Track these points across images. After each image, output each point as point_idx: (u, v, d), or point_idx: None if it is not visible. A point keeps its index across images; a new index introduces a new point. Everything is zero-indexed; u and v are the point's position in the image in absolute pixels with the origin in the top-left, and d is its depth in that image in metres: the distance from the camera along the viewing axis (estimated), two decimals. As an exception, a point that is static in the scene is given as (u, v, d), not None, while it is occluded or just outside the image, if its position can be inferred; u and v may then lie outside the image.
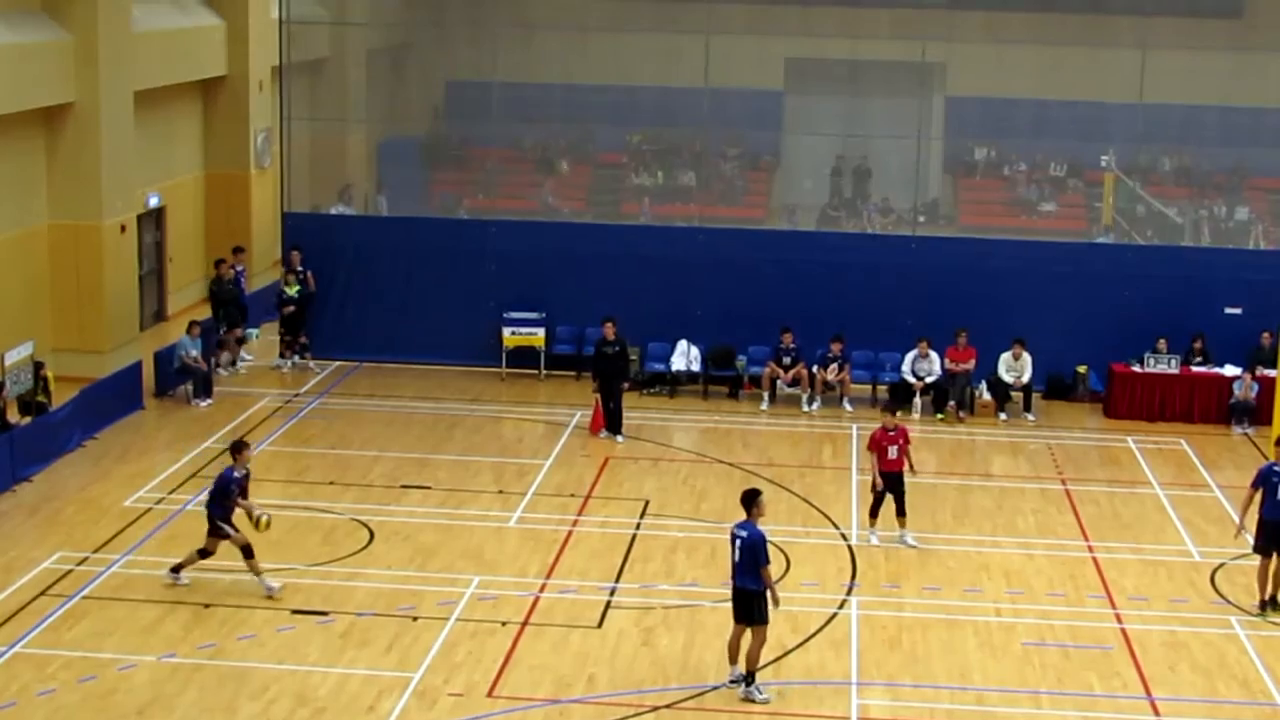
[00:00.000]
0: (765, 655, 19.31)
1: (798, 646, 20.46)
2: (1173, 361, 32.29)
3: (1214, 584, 23.21)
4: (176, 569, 21.85)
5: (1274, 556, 21.81)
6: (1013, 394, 32.15)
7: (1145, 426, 31.54)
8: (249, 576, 21.55)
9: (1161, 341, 32.42)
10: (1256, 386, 31.41)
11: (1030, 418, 31.96)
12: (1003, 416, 31.92)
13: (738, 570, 18.91)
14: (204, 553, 21.81)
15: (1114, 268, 33.85)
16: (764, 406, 32.26)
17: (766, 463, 28.49)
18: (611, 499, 26.29)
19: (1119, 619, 21.74)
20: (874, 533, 24.42)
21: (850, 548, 24.16)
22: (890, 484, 24.34)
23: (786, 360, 32.27)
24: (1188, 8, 42.02)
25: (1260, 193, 41.58)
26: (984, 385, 32.36)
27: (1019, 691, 19.45)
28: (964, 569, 23.55)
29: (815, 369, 32.24)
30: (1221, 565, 23.91)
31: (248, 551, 21.58)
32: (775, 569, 22.66)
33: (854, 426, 30.84)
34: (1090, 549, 24.52)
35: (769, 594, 18.80)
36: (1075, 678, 19.86)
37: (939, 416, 31.83)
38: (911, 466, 24.66)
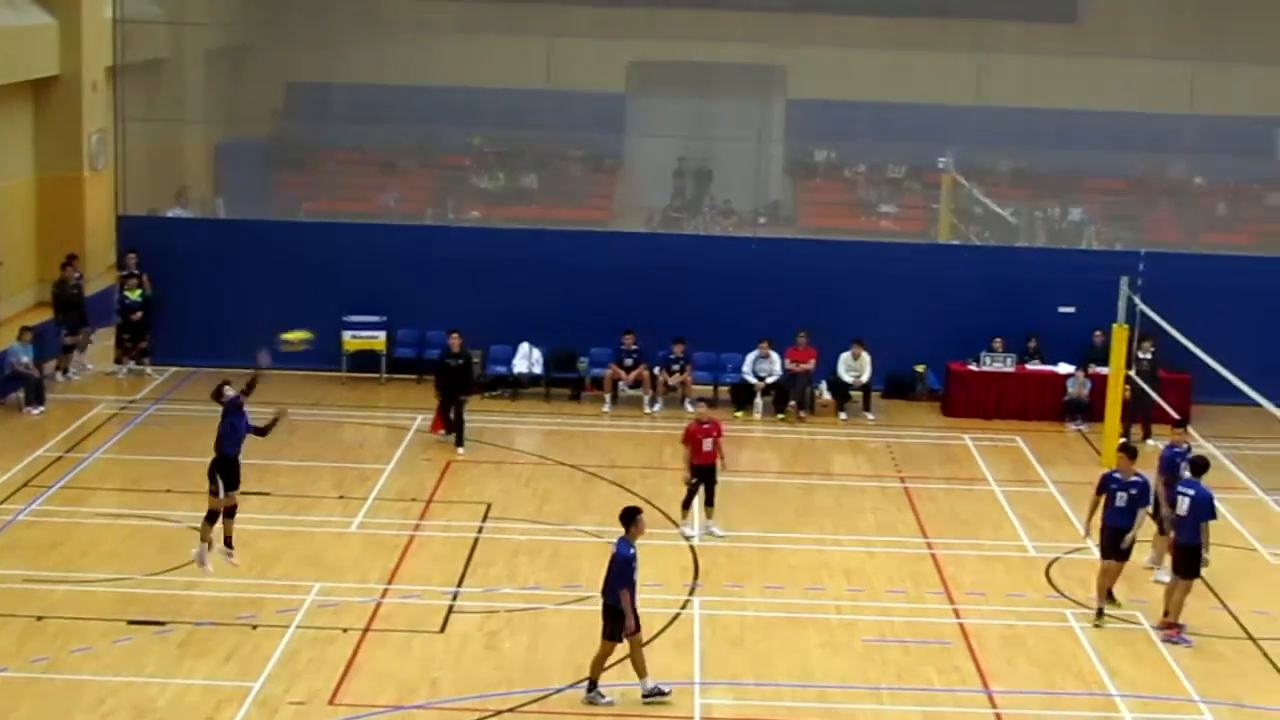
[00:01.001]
0: (613, 656, 19.31)
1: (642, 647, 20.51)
2: (1009, 360, 32.78)
3: (1049, 578, 23.58)
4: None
5: (1114, 561, 22.06)
6: (852, 393, 32.45)
7: (982, 424, 31.98)
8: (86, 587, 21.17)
9: (998, 340, 32.88)
10: (1089, 384, 31.97)
11: (870, 417, 32.30)
12: (843, 416, 32.21)
13: (606, 584, 18.94)
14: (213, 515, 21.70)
15: (952, 268, 34.28)
16: (606, 408, 32.30)
17: (609, 464, 28.53)
18: (454, 503, 26.18)
19: (957, 614, 22.02)
20: (686, 525, 24.64)
21: (693, 548, 24.26)
22: (703, 476, 24.73)
23: (628, 362, 32.33)
24: (1025, 13, 42.73)
25: (1094, 194, 42.39)
26: (824, 385, 32.64)
27: (860, 688, 19.62)
28: (805, 567, 23.72)
29: (657, 370, 32.32)
30: (1056, 559, 24.31)
31: (230, 512, 21.56)
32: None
33: (697, 427, 30.96)
34: (929, 546, 24.82)
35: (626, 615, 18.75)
36: (915, 673, 20.07)
37: (780, 416, 32.05)
38: (723, 460, 25.04)
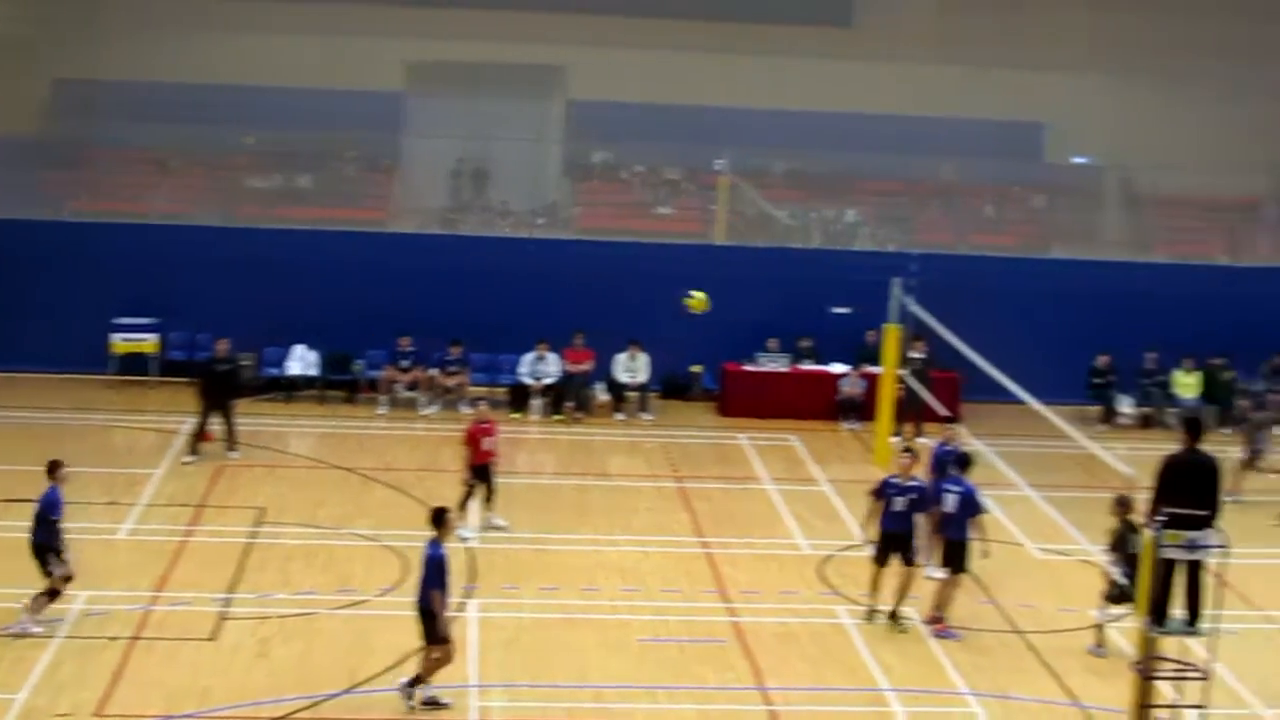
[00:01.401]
0: (387, 661, 19.32)
1: (416, 651, 20.30)
2: (783, 360, 33.16)
3: (822, 575, 23.88)
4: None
5: (889, 566, 22.27)
6: (629, 394, 32.61)
7: (757, 424, 32.31)
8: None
9: (773, 341, 33.25)
10: (863, 383, 32.47)
11: (646, 417, 32.48)
12: (619, 416, 32.35)
13: (419, 587, 18.78)
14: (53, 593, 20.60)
15: (728, 269, 34.52)
16: (382, 410, 32.08)
17: (385, 467, 28.33)
18: (226, 508, 25.80)
19: (732, 613, 22.19)
20: (462, 527, 24.61)
21: (469, 550, 24.15)
22: (482, 475, 24.83)
23: (405, 363, 32.15)
24: (800, 16, 43.15)
25: (868, 196, 42.90)
26: (601, 386, 32.73)
27: (636, 687, 19.68)
28: (581, 568, 23.75)
29: (434, 372, 32.16)
30: (830, 557, 24.64)
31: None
32: (392, 573, 22.71)
33: (474, 429, 30.87)
34: (704, 545, 24.99)
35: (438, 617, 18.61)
36: (690, 671, 20.18)
37: (557, 417, 32.10)
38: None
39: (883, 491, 22.15)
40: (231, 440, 28.75)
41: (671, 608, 22.33)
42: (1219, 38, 41.49)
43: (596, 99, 43.28)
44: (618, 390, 32.59)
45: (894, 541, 21.99)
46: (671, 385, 34.00)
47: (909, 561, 21.88)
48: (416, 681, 18.77)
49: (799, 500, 27.59)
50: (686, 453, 30.34)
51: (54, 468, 21.03)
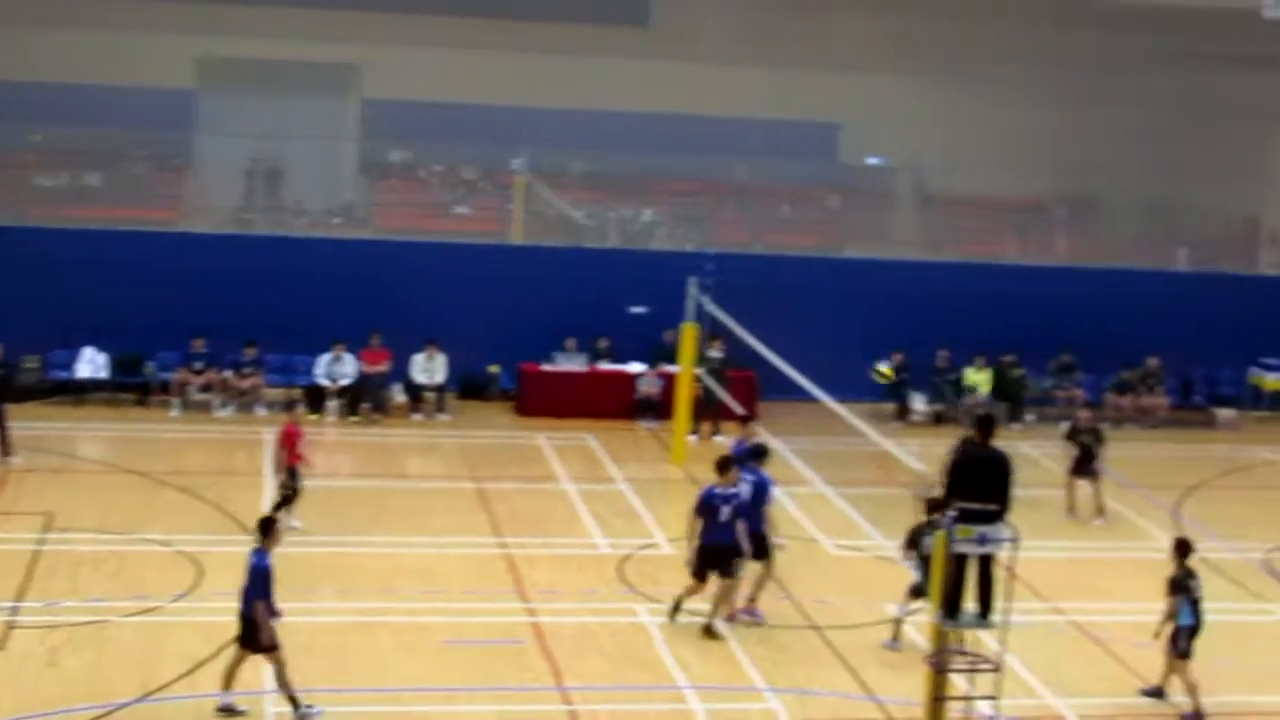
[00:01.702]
0: (181, 668, 19.19)
1: (211, 657, 20.00)
2: (581, 360, 33.22)
3: (621, 574, 23.94)
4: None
5: (709, 580, 22.21)
6: (427, 394, 32.43)
7: (555, 423, 32.32)
8: None
9: (570, 340, 33.28)
10: (660, 383, 32.62)
11: (444, 417, 32.33)
12: (417, 417, 32.17)
13: (243, 594, 18.50)
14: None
15: (525, 269, 34.57)
16: (174, 413, 31.57)
17: (178, 471, 27.85)
18: (11, 514, 25.16)
19: (531, 613, 22.15)
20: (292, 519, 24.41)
21: (265, 554, 23.81)
22: (296, 478, 24.62)
23: (198, 365, 31.66)
24: (596, 16, 43.26)
25: (665, 196, 43.19)
26: (399, 386, 32.52)
27: (435, 689, 19.56)
28: (379, 571, 23.54)
29: (228, 374, 31.72)
30: (628, 556, 24.70)
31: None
32: (186, 579, 22.35)
33: (267, 431, 30.44)
34: (503, 545, 24.92)
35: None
36: (490, 672, 20.10)
37: (353, 419, 31.82)
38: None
39: (706, 504, 21.68)
40: (6, 446, 27.94)
41: (470, 609, 22.24)
42: (1009, 42, 42.39)
43: (392, 98, 43.06)
44: (415, 391, 32.41)
45: (717, 555, 21.55)
46: (469, 386, 33.88)
47: (728, 574, 21.62)
48: (294, 701, 18.52)
49: (597, 500, 27.64)
50: (484, 453, 30.25)
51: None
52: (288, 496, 24.60)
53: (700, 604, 22.07)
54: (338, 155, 44.22)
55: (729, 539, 21.52)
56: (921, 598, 20.78)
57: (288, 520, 24.42)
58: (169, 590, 22.09)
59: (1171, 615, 19.89)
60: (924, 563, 20.21)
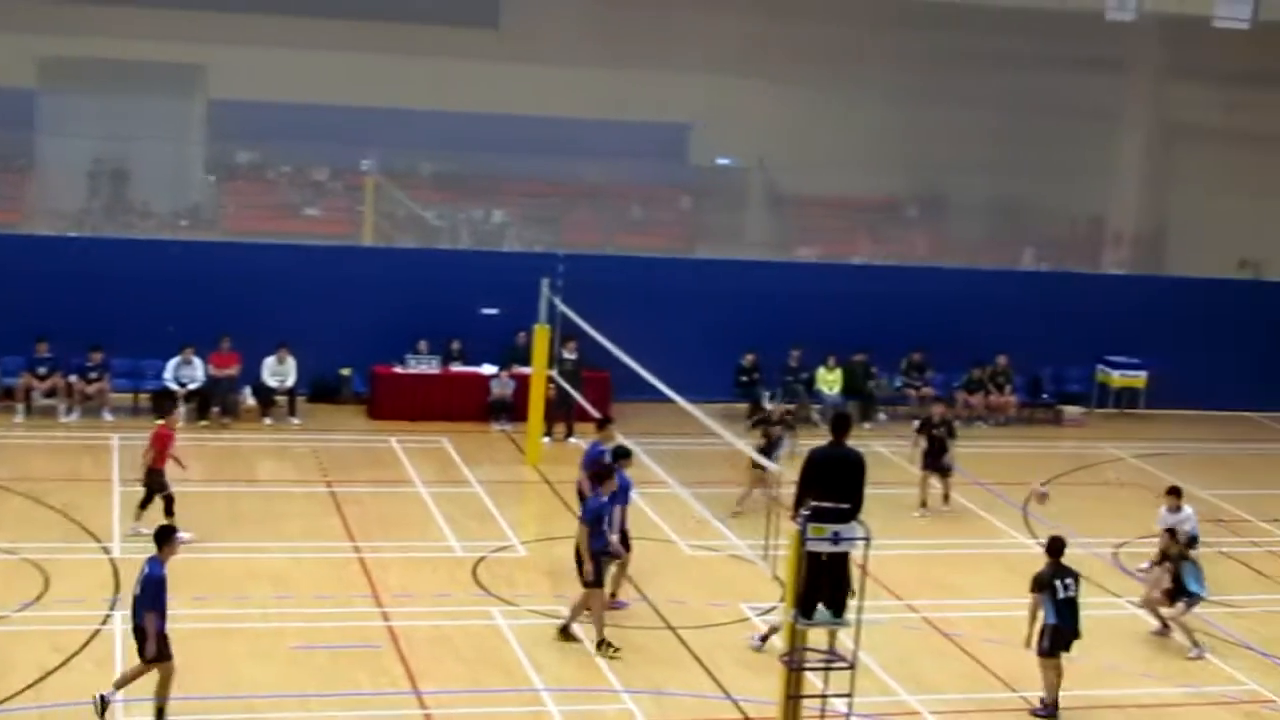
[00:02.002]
0: (29, 678, 18.94)
1: (59, 667, 19.69)
2: (433, 362, 33.07)
3: (475, 577, 23.85)
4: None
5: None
6: (277, 398, 32.11)
7: (408, 426, 32.13)
8: None
9: (422, 343, 33.12)
10: (513, 384, 32.53)
11: (295, 421, 32.04)
12: (268, 421, 31.85)
13: (134, 604, 18.24)
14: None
15: (376, 270, 34.39)
16: (19, 419, 30.97)
17: (22, 477, 27.32)
18: None
19: (386, 617, 22.00)
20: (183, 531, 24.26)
21: (113, 561, 23.46)
22: (160, 481, 24.54)
23: (43, 370, 31.09)
24: (446, 17, 43.11)
25: (515, 197, 43.15)
26: (249, 390, 32.18)
27: (288, 696, 19.38)
28: (232, 576, 23.26)
29: (74, 378, 31.21)
30: (483, 559, 24.62)
31: None
32: (34, 588, 21.98)
33: (115, 436, 30.05)
34: (356, 549, 24.73)
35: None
36: (344, 677, 19.95)
37: (203, 423, 31.42)
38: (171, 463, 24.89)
39: (597, 514, 21.54)
40: None
41: (324, 614, 22.05)
42: (859, 43, 42.79)
43: (239, 98, 42.61)
44: (265, 394, 32.07)
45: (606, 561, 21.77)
46: (320, 388, 33.59)
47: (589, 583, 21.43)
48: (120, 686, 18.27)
49: (451, 502, 27.51)
50: (336, 457, 30.01)
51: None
52: (149, 498, 24.35)
53: (557, 605, 22.11)
54: (184, 157, 43.72)
55: (605, 544, 21.59)
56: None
57: (137, 526, 24.18)
58: (15, 599, 21.69)
59: (1034, 614, 20.07)
60: None
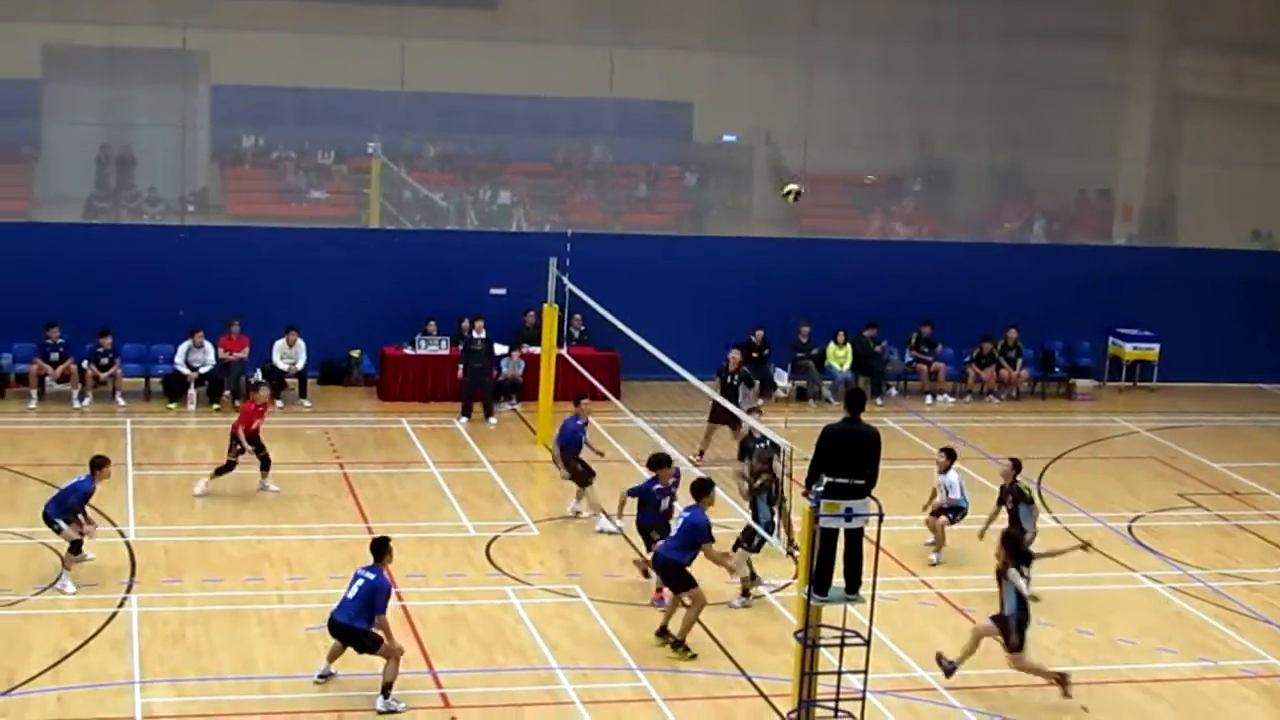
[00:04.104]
0: (46, 661, 18.94)
1: (76, 650, 19.77)
2: (443, 343, 33.08)
3: (489, 556, 23.90)
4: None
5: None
6: (288, 381, 32.15)
7: (418, 407, 32.20)
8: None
9: (431, 323, 33.13)
10: (523, 364, 32.55)
11: (306, 404, 32.08)
12: (278, 404, 31.84)
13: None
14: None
15: (384, 253, 34.41)
16: (32, 405, 31.04)
17: (37, 463, 27.38)
18: None
19: (399, 596, 21.97)
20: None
21: (129, 544, 23.53)
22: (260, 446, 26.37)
23: (54, 356, 31.15)
24: (444, 0, 43.02)
25: (520, 177, 43.03)
26: (259, 373, 32.20)
27: (303, 677, 19.44)
28: (245, 559, 23.36)
29: (85, 364, 31.25)
30: (496, 538, 24.66)
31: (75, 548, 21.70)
32: (50, 572, 22.05)
33: (127, 421, 30.13)
34: (369, 530, 24.73)
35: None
36: (358, 658, 19.86)
37: (214, 407, 31.47)
38: None
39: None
40: None
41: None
42: (863, 16, 42.59)
43: (242, 84, 42.53)
44: (276, 377, 32.08)
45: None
46: (330, 371, 33.65)
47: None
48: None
49: (463, 482, 27.56)
50: (348, 438, 30.05)
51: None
52: (266, 462, 26.40)
53: (569, 584, 22.19)
54: (189, 142, 43.60)
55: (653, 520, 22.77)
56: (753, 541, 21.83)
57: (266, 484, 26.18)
58: (32, 583, 21.78)
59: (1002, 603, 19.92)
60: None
